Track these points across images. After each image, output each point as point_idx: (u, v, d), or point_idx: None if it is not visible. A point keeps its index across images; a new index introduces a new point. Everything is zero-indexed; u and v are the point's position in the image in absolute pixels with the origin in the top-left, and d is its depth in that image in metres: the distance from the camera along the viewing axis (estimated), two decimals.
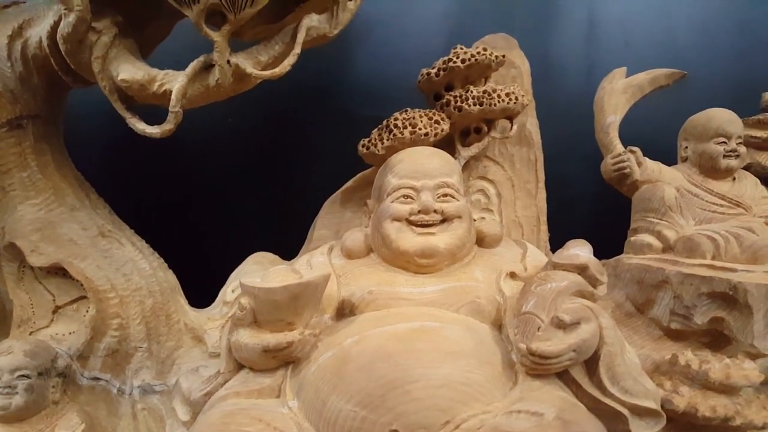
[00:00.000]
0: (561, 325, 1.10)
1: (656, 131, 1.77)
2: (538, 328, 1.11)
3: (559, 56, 2.18)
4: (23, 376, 1.22)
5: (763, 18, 2.27)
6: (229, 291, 1.61)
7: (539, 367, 1.10)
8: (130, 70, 1.20)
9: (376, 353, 1.09)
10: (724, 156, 1.60)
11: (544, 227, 1.67)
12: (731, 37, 2.24)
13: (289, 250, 1.76)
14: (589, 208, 1.93)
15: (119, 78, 1.19)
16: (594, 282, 1.20)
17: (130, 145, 1.94)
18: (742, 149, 1.61)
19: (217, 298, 1.66)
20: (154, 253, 1.59)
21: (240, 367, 1.22)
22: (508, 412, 1.04)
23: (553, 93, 1.95)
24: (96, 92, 1.62)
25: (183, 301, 1.58)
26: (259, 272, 1.61)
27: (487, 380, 1.09)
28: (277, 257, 1.73)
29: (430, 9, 2.22)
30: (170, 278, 1.57)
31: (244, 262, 1.72)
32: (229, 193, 2.06)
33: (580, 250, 1.23)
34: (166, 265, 1.60)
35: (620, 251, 1.62)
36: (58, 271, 1.45)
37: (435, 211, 1.29)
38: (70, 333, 1.41)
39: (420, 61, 1.83)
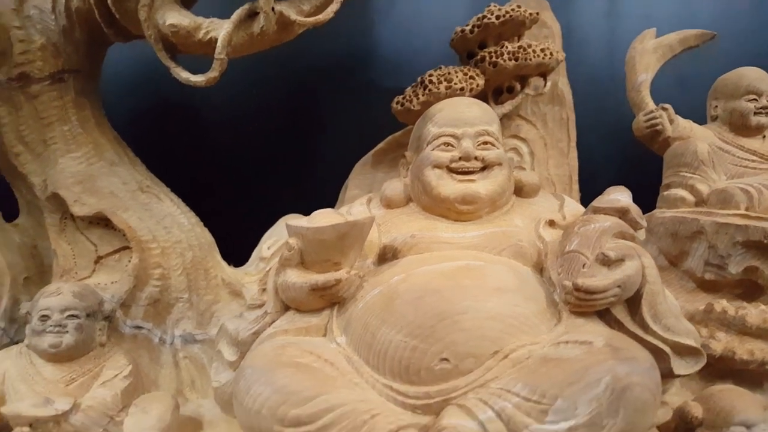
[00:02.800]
0: (606, 262, 1.11)
1: (683, 94, 1.80)
2: (583, 265, 1.12)
3: (582, 25, 2.19)
4: (73, 315, 1.24)
5: None
6: (265, 248, 1.64)
7: (584, 303, 1.11)
8: (177, 17, 1.23)
9: (424, 289, 1.11)
10: (755, 113, 1.62)
11: (576, 186, 1.70)
12: (755, 4, 2.24)
13: None
14: (616, 168, 1.96)
15: (167, 23, 1.21)
16: (635, 225, 1.22)
17: (161, 110, 1.99)
18: None
19: (252, 256, 1.69)
20: (190, 210, 1.61)
21: (286, 308, 1.24)
22: (556, 343, 1.06)
23: (578, 59, 1.97)
24: (126, 54, 1.66)
25: (219, 257, 1.60)
26: None
27: (533, 314, 1.11)
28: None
29: None
30: (207, 235, 1.59)
31: (276, 223, 1.76)
32: (257, 158, 2.09)
33: (620, 195, 1.25)
34: (201, 223, 1.62)
35: (650, 210, 1.64)
36: (100, 222, 1.47)
37: (476, 158, 1.30)
38: (111, 282, 1.43)
39: (442, 33, 1.85)
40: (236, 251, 1.72)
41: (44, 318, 1.23)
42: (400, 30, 2.16)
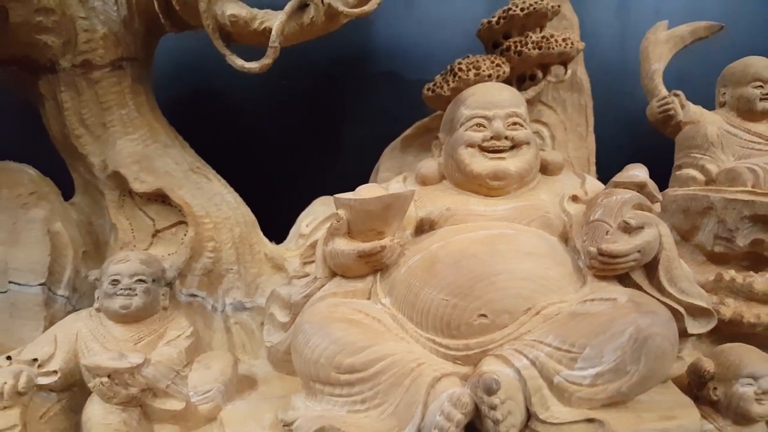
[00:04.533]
0: (627, 229, 1.22)
1: (694, 83, 1.91)
2: (606, 232, 1.24)
3: (596, 17, 2.30)
4: (141, 280, 1.35)
5: None
6: (303, 225, 1.75)
7: (607, 266, 1.22)
8: (236, 8, 1.34)
9: (462, 253, 1.23)
10: (761, 99, 1.73)
11: (594, 168, 1.81)
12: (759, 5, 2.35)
13: None
14: (632, 151, 2.07)
15: (228, 14, 1.33)
16: (652, 198, 1.34)
17: (201, 99, 2.11)
18: None
19: (291, 233, 1.80)
20: (234, 191, 1.72)
21: (333, 274, 1.36)
22: (583, 301, 1.18)
23: (593, 50, 2.08)
24: (172, 45, 1.78)
25: (261, 234, 1.72)
26: (326, 212, 1.76)
27: (561, 277, 1.23)
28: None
29: None
30: (250, 214, 1.70)
31: (311, 204, 1.87)
32: (292, 144, 2.21)
33: (638, 171, 1.36)
34: (244, 202, 1.74)
35: (662, 190, 1.75)
36: (157, 199, 1.58)
37: (506, 138, 1.42)
38: (168, 254, 1.55)
39: (461, 28, 1.97)
40: (274, 229, 1.83)
41: (115, 282, 1.34)
42: (424, 21, 2.26)
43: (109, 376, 1.19)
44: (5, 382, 1.19)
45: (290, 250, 1.70)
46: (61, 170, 1.72)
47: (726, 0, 2.39)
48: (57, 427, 1.27)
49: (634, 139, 2.07)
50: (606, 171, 1.53)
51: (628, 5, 2.41)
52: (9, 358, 1.28)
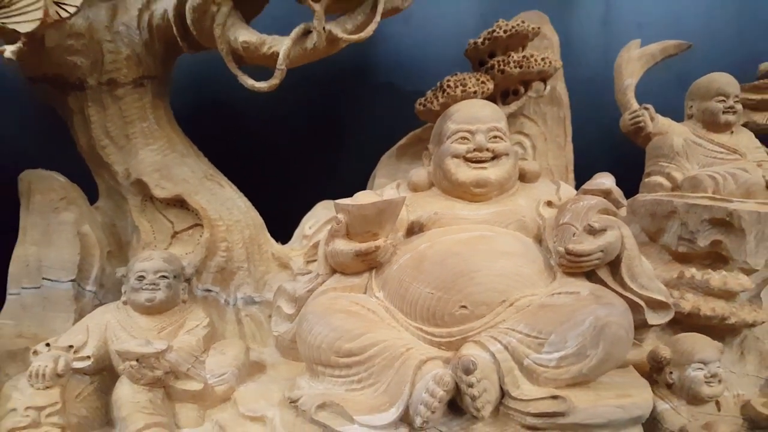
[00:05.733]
0: (591, 231, 1.37)
1: (667, 95, 2.07)
2: (573, 234, 1.39)
3: (579, 34, 2.46)
4: (163, 276, 1.52)
5: None
6: (307, 227, 1.92)
7: (574, 264, 1.38)
8: (247, 34, 1.50)
9: (446, 253, 1.40)
10: (724, 112, 1.89)
11: (571, 174, 1.97)
12: (733, 16, 2.51)
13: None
14: (607, 159, 2.23)
15: (240, 40, 1.49)
16: (617, 204, 1.49)
17: (210, 111, 2.28)
18: (739, 106, 1.90)
19: (295, 234, 1.97)
20: (243, 196, 1.89)
21: (333, 271, 1.52)
22: (551, 294, 1.34)
23: (576, 64, 2.23)
24: (187, 63, 1.94)
25: (268, 235, 1.89)
26: (328, 215, 1.92)
27: (533, 273, 1.39)
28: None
29: None
30: (258, 217, 1.88)
31: (313, 208, 2.03)
32: (295, 152, 2.38)
33: (605, 179, 1.52)
34: (253, 206, 1.91)
35: (634, 194, 1.90)
36: (176, 203, 1.76)
37: (487, 150, 1.57)
38: (186, 253, 1.72)
39: (456, 41, 2.11)
40: (280, 231, 1.99)
41: (141, 278, 1.51)
42: (419, 38, 2.42)
43: (137, 360, 1.36)
44: (47, 366, 1.34)
45: (295, 249, 1.87)
46: (84, 177, 1.89)
47: (703, 15, 2.55)
48: (90, 405, 1.44)
49: (612, 145, 2.22)
50: (585, 178, 1.68)
51: (611, 19, 2.58)
52: (48, 344, 1.45)
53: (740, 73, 2.12)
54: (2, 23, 1.30)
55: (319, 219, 1.95)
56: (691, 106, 1.97)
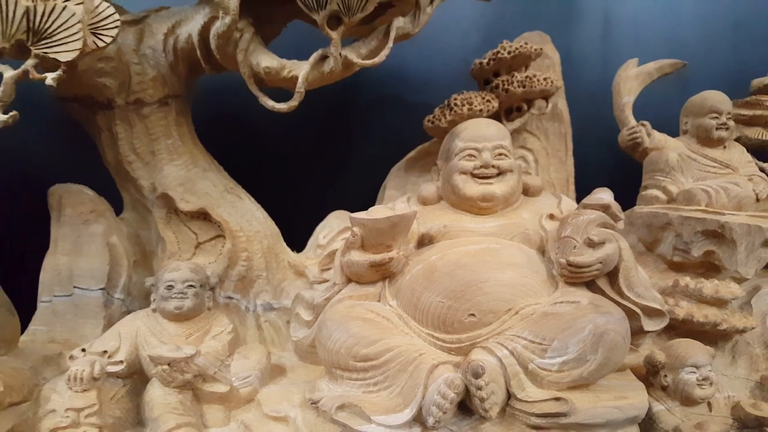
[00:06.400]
0: (591, 244, 1.46)
1: (664, 111, 2.17)
2: (574, 247, 1.48)
3: (580, 51, 2.57)
4: (191, 285, 1.62)
5: (755, 17, 2.62)
6: (321, 237, 2.01)
7: (574, 275, 1.47)
8: (269, 60, 1.61)
9: (456, 264, 1.49)
10: (716, 128, 1.98)
11: (572, 187, 2.08)
12: (728, 34, 2.60)
13: (361, 208, 2.16)
14: (607, 173, 2.33)
15: (263, 65, 1.59)
16: (615, 218, 1.58)
17: (231, 125, 2.38)
18: (731, 123, 1.99)
19: (309, 244, 2.07)
20: (261, 208, 1.99)
21: (348, 281, 1.62)
22: (553, 303, 1.43)
23: (576, 81, 2.34)
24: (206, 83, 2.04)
25: (285, 245, 1.99)
26: (340, 225, 2.02)
27: (537, 283, 1.48)
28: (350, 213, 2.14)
29: (469, 11, 2.59)
30: (275, 227, 1.98)
31: (327, 218, 2.12)
32: (308, 165, 2.49)
33: (604, 195, 1.60)
34: (269, 217, 2.01)
35: (631, 207, 2.00)
36: (199, 216, 1.86)
37: (493, 166, 1.67)
38: (209, 263, 1.82)
39: (461, 57, 2.22)
40: (294, 240, 2.09)
41: (170, 287, 1.61)
42: (424, 55, 2.52)
43: (169, 365, 1.46)
44: (84, 370, 1.43)
45: (309, 258, 1.97)
46: (106, 190, 1.98)
47: (699, 31, 2.65)
48: (123, 407, 1.53)
49: (611, 159, 2.32)
50: (585, 190, 1.76)
51: (610, 35, 2.68)
52: (84, 350, 1.55)
53: (735, 88, 2.23)
54: (44, 53, 1.39)
55: (332, 229, 2.04)
56: (686, 122, 2.06)
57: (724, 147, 2.02)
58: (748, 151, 2.06)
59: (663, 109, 2.15)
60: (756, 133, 2.14)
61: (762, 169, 2.04)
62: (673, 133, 2.11)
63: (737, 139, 2.11)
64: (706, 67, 2.44)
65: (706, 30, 2.62)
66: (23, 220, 2.13)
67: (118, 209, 2.01)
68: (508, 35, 2.09)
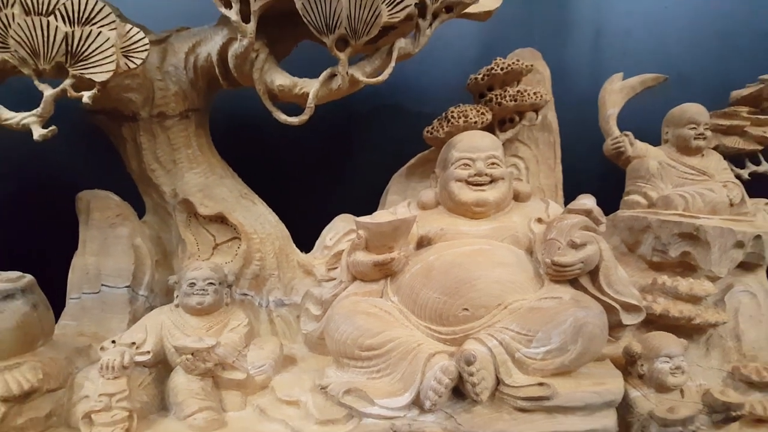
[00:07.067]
0: (574, 246, 1.58)
1: (649, 121, 2.32)
2: (558, 248, 1.61)
3: (570, 63, 2.71)
4: (211, 283, 1.76)
5: (737, 30, 2.75)
6: (328, 239, 2.16)
7: (558, 274, 1.60)
8: (282, 78, 1.76)
9: (451, 263, 1.63)
10: (695, 138, 2.12)
11: (561, 192, 2.22)
12: (712, 47, 2.73)
13: (364, 212, 2.30)
14: (593, 179, 2.47)
15: (276, 84, 1.74)
16: (597, 222, 1.70)
17: (244, 135, 2.53)
18: (708, 133, 2.14)
19: (316, 244, 2.20)
20: (273, 211, 2.15)
21: (354, 279, 1.77)
22: (539, 298, 1.57)
23: (567, 92, 2.47)
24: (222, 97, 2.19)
25: (294, 246, 2.14)
26: (346, 227, 2.17)
27: (525, 281, 1.62)
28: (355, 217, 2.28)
29: (466, 30, 2.68)
30: (285, 230, 2.12)
31: (333, 220, 2.26)
32: (315, 171, 2.64)
33: (587, 200, 1.73)
34: (280, 220, 2.16)
35: (615, 211, 2.14)
36: (216, 219, 2.01)
37: (486, 175, 1.80)
38: (225, 263, 1.97)
39: (458, 73, 2.34)
40: (302, 241, 2.24)
41: (192, 285, 1.75)
42: (424, 70, 2.66)
43: (192, 354, 1.61)
44: (115, 359, 1.56)
45: (317, 258, 2.12)
46: (128, 195, 2.12)
47: (685, 44, 2.78)
48: (149, 393, 1.67)
49: (597, 166, 2.45)
50: (573, 195, 1.85)
51: (600, 48, 2.82)
52: (113, 342, 1.70)
53: (718, 99, 2.38)
54: (81, 74, 1.56)
55: (338, 231, 2.17)
56: (667, 132, 2.21)
57: (702, 155, 2.16)
58: (725, 158, 2.21)
59: (646, 119, 2.30)
60: (733, 142, 2.29)
61: (738, 176, 2.19)
62: (656, 142, 2.26)
63: (716, 148, 2.26)
64: (691, 79, 2.58)
65: (692, 43, 2.75)
66: (50, 224, 2.29)
67: (140, 213, 2.16)
68: (502, 51, 2.21)
